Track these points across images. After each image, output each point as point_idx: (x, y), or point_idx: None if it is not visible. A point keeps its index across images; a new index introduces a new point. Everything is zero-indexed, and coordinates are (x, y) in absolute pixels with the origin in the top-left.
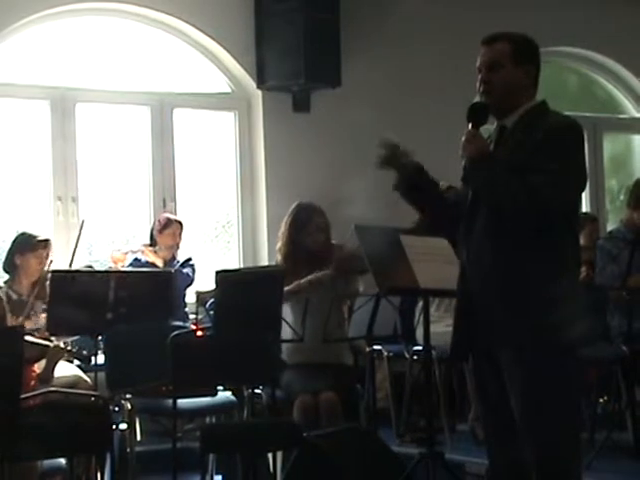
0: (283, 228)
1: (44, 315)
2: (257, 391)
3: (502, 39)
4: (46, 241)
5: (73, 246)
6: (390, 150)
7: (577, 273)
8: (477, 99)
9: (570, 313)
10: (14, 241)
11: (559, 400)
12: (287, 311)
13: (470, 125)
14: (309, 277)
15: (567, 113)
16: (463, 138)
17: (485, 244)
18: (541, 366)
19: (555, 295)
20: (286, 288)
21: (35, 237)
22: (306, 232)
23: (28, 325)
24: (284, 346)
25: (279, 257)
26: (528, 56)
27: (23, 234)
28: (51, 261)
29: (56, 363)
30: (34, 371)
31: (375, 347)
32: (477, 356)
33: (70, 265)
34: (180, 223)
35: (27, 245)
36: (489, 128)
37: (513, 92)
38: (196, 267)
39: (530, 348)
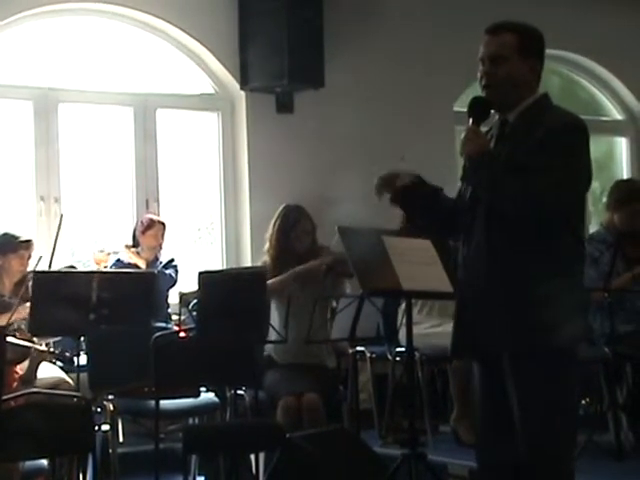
0: (271, 230)
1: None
2: (240, 392)
3: (508, 29)
4: (28, 242)
5: (53, 242)
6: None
7: (579, 275)
8: (474, 94)
9: (569, 316)
10: None
11: (558, 402)
12: (271, 312)
13: (470, 121)
14: (295, 269)
15: None
16: (463, 135)
17: (482, 244)
18: (539, 370)
19: (553, 298)
20: (269, 281)
21: (17, 237)
22: (294, 235)
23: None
24: (268, 347)
25: (267, 259)
26: (535, 49)
27: (5, 234)
28: (29, 256)
29: (39, 364)
30: (16, 372)
31: (358, 348)
32: (473, 357)
33: (51, 260)
34: (163, 224)
35: (9, 245)
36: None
37: (516, 86)
38: (179, 268)
39: (528, 352)
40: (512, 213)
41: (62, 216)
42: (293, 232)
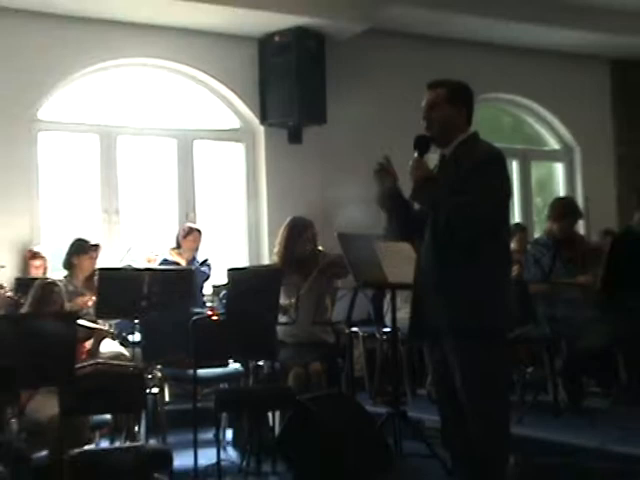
0: (280, 238)
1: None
2: (260, 363)
3: (441, 85)
4: (96, 245)
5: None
6: (389, 166)
7: (506, 273)
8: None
9: (498, 306)
10: (71, 245)
11: (491, 374)
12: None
13: (416, 153)
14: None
15: (502, 146)
16: (410, 165)
17: (430, 249)
18: (475, 349)
19: (485, 291)
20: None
21: (88, 242)
22: (299, 242)
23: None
24: (281, 328)
25: (277, 260)
26: (461, 98)
27: (79, 239)
28: (97, 257)
29: (101, 341)
30: (85, 346)
31: (353, 329)
32: (431, 340)
33: None
34: (199, 231)
35: (82, 248)
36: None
37: (448, 127)
38: (212, 265)
39: (465, 334)
40: (446, 223)
41: (130, 249)
42: (298, 239)
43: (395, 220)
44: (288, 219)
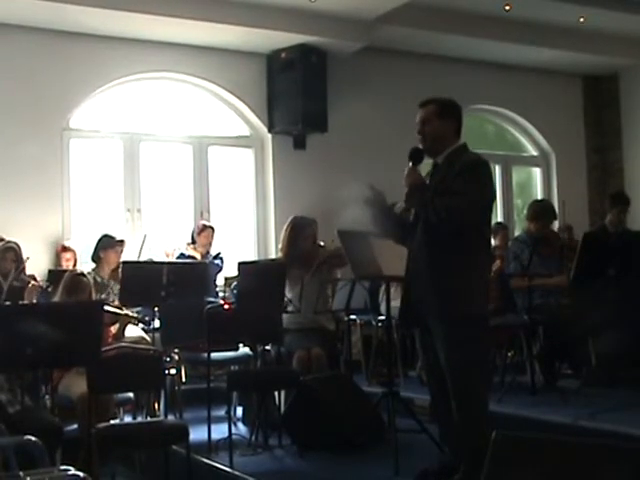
0: (284, 234)
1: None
2: (267, 348)
3: (431, 102)
4: (121, 241)
5: (138, 252)
6: (374, 196)
7: (487, 267)
8: (417, 145)
9: (481, 293)
10: (99, 240)
11: (473, 354)
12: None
13: (410, 164)
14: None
15: (486, 152)
16: (405, 173)
17: (422, 247)
18: (458, 331)
19: (468, 283)
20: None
21: (114, 238)
22: (300, 239)
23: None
24: (286, 316)
25: (281, 255)
26: (450, 113)
27: (106, 235)
28: (122, 251)
29: (126, 326)
30: (111, 331)
31: (351, 317)
32: (419, 326)
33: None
34: (212, 228)
35: (108, 243)
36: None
37: (440, 139)
38: (224, 259)
39: (450, 319)
40: (437, 222)
41: (145, 236)
42: (300, 236)
43: (390, 231)
44: (290, 218)
